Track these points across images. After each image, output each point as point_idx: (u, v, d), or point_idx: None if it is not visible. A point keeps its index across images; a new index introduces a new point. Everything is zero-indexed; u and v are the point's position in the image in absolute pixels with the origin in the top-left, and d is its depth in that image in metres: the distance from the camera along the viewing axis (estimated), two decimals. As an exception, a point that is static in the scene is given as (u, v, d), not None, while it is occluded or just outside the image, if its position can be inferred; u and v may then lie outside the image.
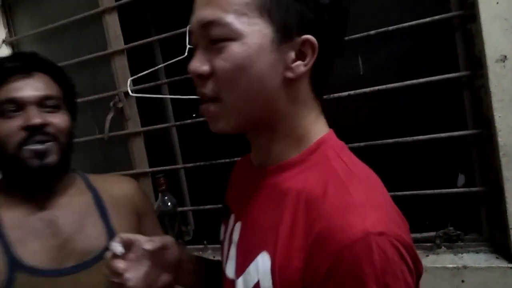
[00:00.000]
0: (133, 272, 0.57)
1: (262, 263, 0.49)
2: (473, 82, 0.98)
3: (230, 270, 0.58)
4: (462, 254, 1.01)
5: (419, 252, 1.02)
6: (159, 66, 1.34)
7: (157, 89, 1.43)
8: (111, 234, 0.80)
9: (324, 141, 0.53)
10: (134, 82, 1.33)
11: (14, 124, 0.74)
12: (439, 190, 1.03)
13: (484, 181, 1.00)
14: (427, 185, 1.04)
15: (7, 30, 1.56)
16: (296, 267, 0.45)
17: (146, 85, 1.32)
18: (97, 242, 0.79)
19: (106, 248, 0.64)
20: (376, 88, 1.05)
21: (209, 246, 1.33)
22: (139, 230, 0.86)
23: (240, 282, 0.53)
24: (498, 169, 0.92)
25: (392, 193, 1.02)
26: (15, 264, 0.72)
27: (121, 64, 1.35)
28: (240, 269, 0.54)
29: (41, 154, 0.75)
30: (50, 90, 0.79)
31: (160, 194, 1.10)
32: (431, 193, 1.03)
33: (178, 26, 1.24)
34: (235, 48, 0.47)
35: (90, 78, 1.43)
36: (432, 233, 1.06)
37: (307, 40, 0.48)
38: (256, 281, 0.49)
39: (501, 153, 0.91)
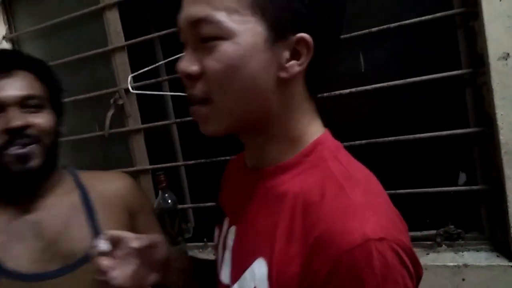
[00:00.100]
0: (120, 270, 0.55)
1: (259, 269, 0.48)
2: (475, 80, 0.97)
3: (224, 275, 0.57)
4: (462, 252, 1.01)
5: (419, 250, 1.04)
6: (160, 63, 1.34)
7: (157, 86, 1.42)
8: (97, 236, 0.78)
9: (320, 142, 0.52)
10: (135, 79, 1.33)
11: None
12: (440, 188, 1.02)
13: (485, 179, 0.99)
14: (428, 183, 1.04)
15: (7, 26, 1.56)
16: (293, 273, 0.44)
17: (147, 82, 1.31)
18: (82, 244, 0.75)
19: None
20: (378, 85, 1.04)
21: (209, 243, 1.33)
22: (131, 229, 0.82)
23: None
24: (500, 167, 0.92)
25: (393, 191, 1.04)
26: None
27: (121, 61, 1.34)
28: (236, 275, 0.53)
29: (23, 158, 0.71)
30: (32, 89, 0.75)
31: (160, 192, 1.10)
32: (432, 191, 1.03)
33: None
34: (226, 48, 0.45)
35: (90, 74, 1.43)
36: (433, 231, 1.05)
37: (302, 39, 0.46)
38: (252, 287, 0.49)
39: (502, 151, 0.90)
